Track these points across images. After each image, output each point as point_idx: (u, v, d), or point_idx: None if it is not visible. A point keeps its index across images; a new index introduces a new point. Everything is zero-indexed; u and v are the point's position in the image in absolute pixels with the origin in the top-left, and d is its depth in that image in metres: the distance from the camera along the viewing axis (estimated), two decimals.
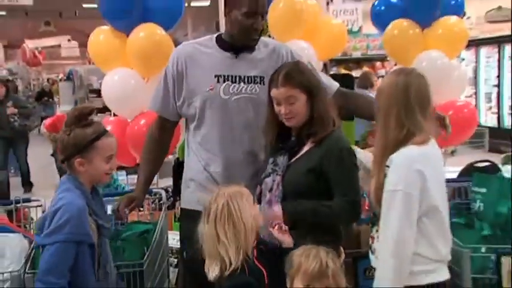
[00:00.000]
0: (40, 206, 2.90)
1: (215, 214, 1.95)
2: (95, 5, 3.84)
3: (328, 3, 9.53)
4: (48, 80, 22.33)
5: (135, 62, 3.91)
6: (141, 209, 2.82)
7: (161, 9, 3.88)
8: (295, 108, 2.20)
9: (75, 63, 20.43)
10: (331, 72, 7.42)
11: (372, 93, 5.46)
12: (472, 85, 10.71)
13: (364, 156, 2.40)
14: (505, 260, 2.39)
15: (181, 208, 2.70)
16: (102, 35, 4.00)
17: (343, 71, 9.64)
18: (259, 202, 2.23)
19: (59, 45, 22.64)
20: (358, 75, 7.55)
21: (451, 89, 4.57)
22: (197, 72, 2.49)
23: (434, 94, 2.10)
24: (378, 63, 10.90)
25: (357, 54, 10.89)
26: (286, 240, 2.11)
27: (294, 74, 2.21)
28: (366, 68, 10.38)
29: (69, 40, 22.06)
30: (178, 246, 2.98)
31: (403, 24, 4.54)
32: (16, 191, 7.06)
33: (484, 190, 2.83)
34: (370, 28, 8.02)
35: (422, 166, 1.96)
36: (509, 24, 11.69)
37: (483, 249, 2.50)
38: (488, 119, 10.83)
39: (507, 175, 2.91)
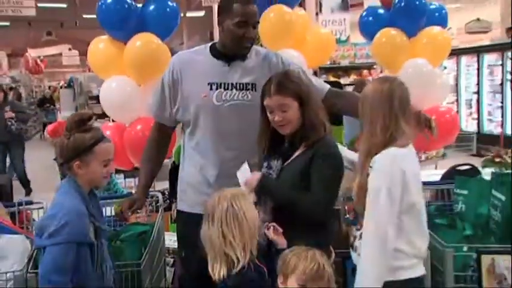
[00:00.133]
0: (42, 208, 2.91)
1: (220, 216, 1.97)
2: (95, 16, 3.87)
3: (317, 14, 9.62)
4: (49, 87, 22.41)
5: (131, 70, 3.94)
6: (139, 211, 2.87)
7: (158, 19, 3.92)
8: (288, 115, 2.23)
9: (76, 71, 20.67)
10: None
11: None
12: (453, 92, 10.92)
13: (351, 154, 2.48)
14: (485, 258, 2.45)
15: (177, 210, 2.74)
16: (100, 44, 4.03)
17: (332, 79, 9.77)
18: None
19: (60, 54, 22.69)
20: (347, 83, 7.66)
21: (435, 95, 4.69)
22: (191, 80, 2.55)
23: (419, 100, 2.16)
24: (365, 71, 11.12)
25: (345, 62, 11.12)
26: (280, 241, 2.13)
27: (286, 83, 2.24)
28: (354, 76, 10.62)
29: (70, 49, 22.10)
30: (175, 247, 3.02)
31: (391, 33, 4.65)
32: (19, 195, 7.08)
33: (465, 192, 2.89)
34: (357, 37, 8.12)
35: (404, 166, 2.04)
36: (487, 34, 12.11)
37: (465, 248, 2.55)
38: (469, 125, 11.06)
39: (487, 178, 3.00)
